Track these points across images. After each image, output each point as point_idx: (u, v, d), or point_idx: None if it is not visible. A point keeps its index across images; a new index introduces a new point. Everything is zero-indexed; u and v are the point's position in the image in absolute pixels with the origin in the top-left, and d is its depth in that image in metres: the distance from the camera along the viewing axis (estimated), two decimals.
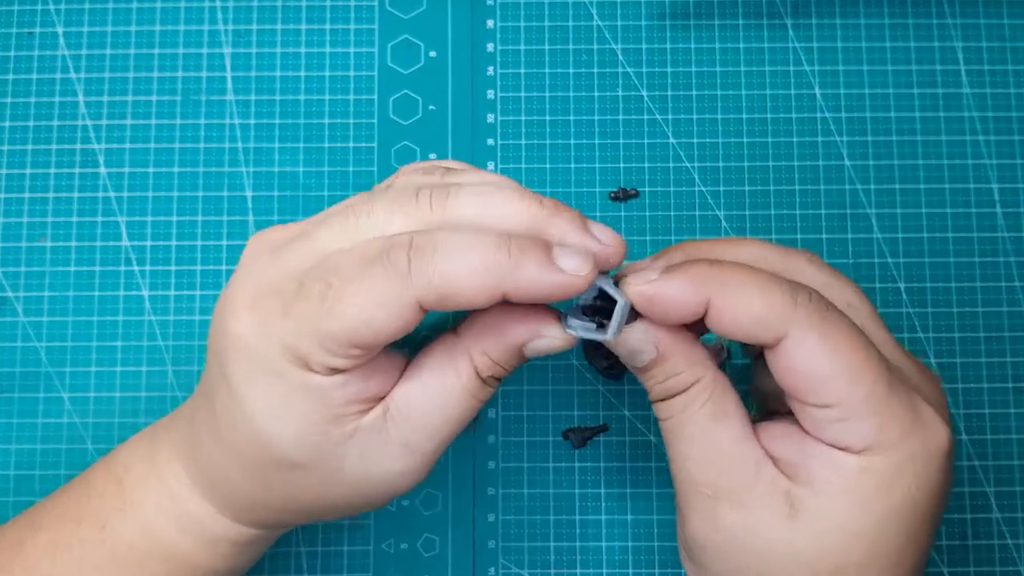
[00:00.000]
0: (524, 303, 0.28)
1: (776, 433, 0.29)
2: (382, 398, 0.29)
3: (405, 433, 0.28)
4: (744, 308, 0.27)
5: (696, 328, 0.29)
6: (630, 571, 0.40)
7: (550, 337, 0.28)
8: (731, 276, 0.27)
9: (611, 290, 0.28)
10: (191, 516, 0.31)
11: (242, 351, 0.27)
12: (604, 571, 0.40)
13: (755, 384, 0.33)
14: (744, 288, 0.27)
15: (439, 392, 0.28)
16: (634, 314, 0.28)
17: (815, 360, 0.26)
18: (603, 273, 0.28)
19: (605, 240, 0.28)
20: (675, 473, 0.29)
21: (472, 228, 0.27)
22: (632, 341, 0.28)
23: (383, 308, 0.26)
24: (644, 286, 0.27)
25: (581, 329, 0.28)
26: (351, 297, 0.26)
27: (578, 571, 0.40)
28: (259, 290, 0.27)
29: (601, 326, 0.28)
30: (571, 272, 0.26)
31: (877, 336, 0.29)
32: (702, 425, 0.28)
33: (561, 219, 0.27)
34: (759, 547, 0.27)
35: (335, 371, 0.27)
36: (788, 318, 0.26)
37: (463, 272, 0.25)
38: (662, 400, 0.29)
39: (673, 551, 0.40)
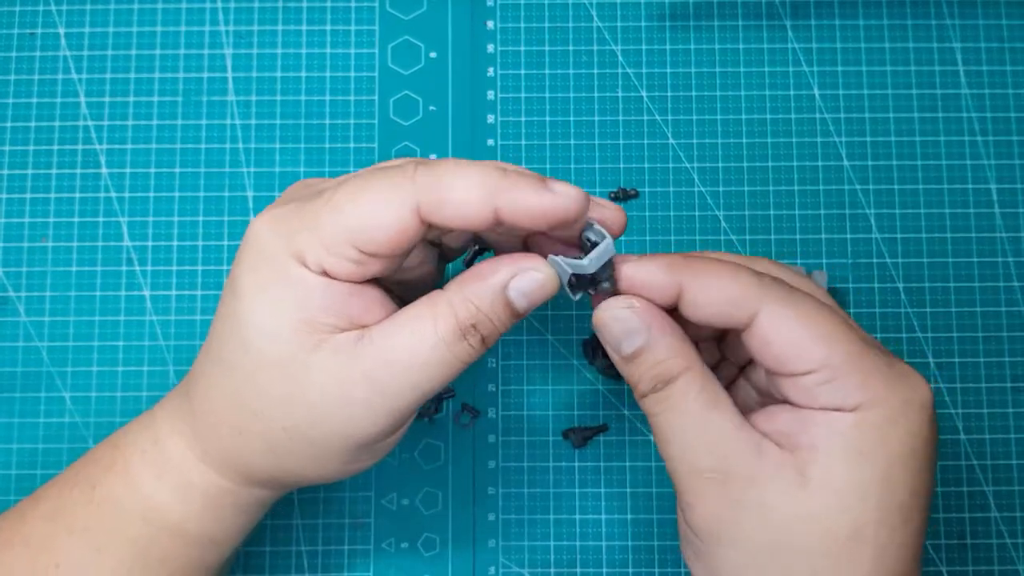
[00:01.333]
0: (518, 226, 0.28)
1: (767, 416, 0.29)
2: (361, 327, 0.29)
3: (371, 363, 0.28)
4: (716, 290, 0.28)
5: None
6: (630, 571, 0.40)
7: (533, 270, 0.29)
8: (701, 263, 0.29)
9: (593, 234, 0.29)
10: (165, 456, 0.31)
11: (252, 242, 0.29)
12: (604, 571, 0.40)
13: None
14: (714, 272, 0.28)
15: (413, 333, 0.28)
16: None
17: (789, 329, 0.28)
18: (589, 224, 0.29)
19: (565, 191, 0.29)
20: (675, 465, 0.29)
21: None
22: (625, 321, 0.29)
23: (383, 204, 0.27)
24: (622, 265, 0.29)
25: (563, 262, 0.29)
26: (355, 193, 0.27)
27: (578, 571, 0.40)
28: (282, 202, 0.29)
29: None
30: (562, 193, 0.27)
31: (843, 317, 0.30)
32: (699, 414, 0.29)
33: (546, 179, 0.29)
34: (777, 521, 0.28)
35: (327, 275, 0.28)
36: (758, 296, 0.28)
37: (462, 182, 0.27)
38: (652, 392, 0.29)
39: (673, 550, 0.40)
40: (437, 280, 0.32)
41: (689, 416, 0.29)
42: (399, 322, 0.28)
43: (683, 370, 0.29)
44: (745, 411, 0.29)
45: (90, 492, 0.32)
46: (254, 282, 0.28)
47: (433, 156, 0.43)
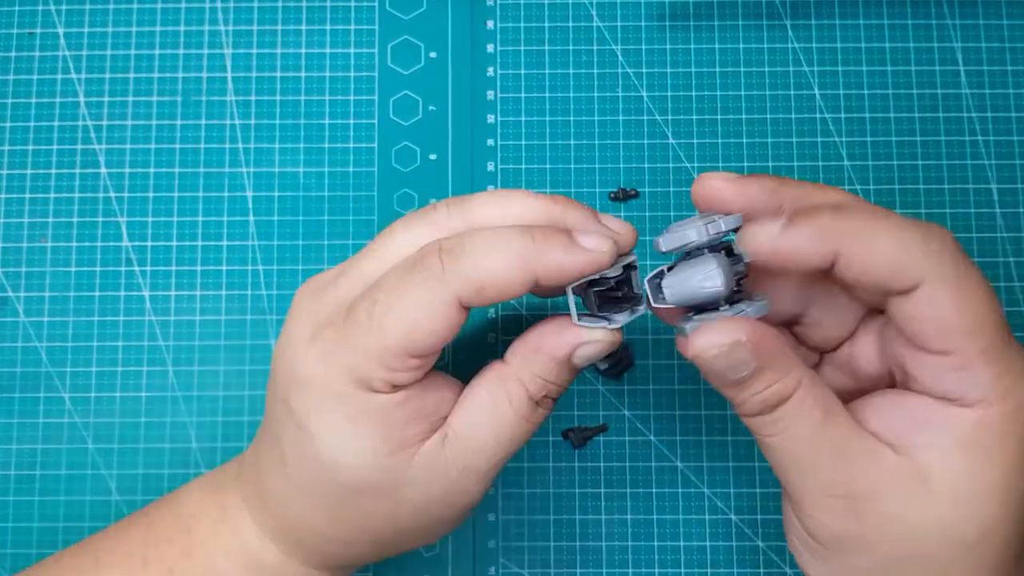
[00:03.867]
0: (554, 286, 0.28)
1: (873, 409, 0.28)
2: (440, 421, 0.30)
3: (463, 457, 0.29)
4: (879, 256, 0.26)
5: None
6: (630, 571, 0.40)
7: (594, 341, 0.29)
8: (862, 223, 0.26)
9: (635, 281, 0.29)
10: (260, 562, 0.32)
11: (308, 384, 0.29)
12: (604, 571, 0.40)
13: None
14: (878, 235, 0.26)
15: (492, 418, 0.29)
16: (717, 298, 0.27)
17: (946, 308, 0.26)
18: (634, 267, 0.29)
19: (616, 228, 0.29)
20: (794, 483, 0.28)
21: (494, 226, 0.28)
22: (729, 356, 0.27)
23: (426, 311, 0.27)
24: (768, 242, 0.26)
25: (600, 320, 0.29)
26: (395, 309, 0.27)
27: (578, 571, 0.40)
28: (315, 327, 0.29)
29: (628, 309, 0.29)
30: (593, 248, 0.28)
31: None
32: (815, 431, 0.27)
33: (575, 212, 0.29)
34: (903, 530, 0.27)
35: (396, 388, 0.28)
36: (922, 265, 0.26)
37: (494, 262, 0.27)
38: (761, 414, 0.27)
39: (673, 550, 0.40)
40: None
41: (804, 438, 0.27)
42: (477, 409, 0.30)
43: (794, 388, 0.27)
44: (842, 400, 0.28)
45: (167, 575, 0.32)
46: (328, 422, 0.28)
47: (433, 156, 0.42)
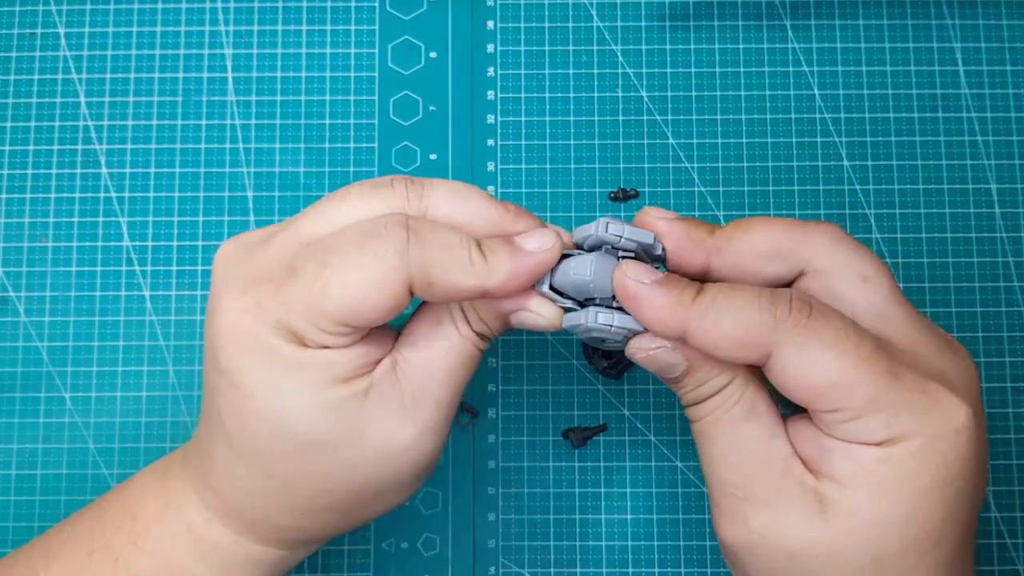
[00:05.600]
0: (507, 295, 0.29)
1: (797, 430, 0.28)
2: (387, 354, 0.29)
3: (416, 381, 0.29)
4: (724, 333, 0.27)
5: None
6: (630, 571, 0.40)
7: (537, 315, 0.29)
8: (708, 301, 0.27)
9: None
10: (209, 543, 0.31)
11: (234, 337, 0.27)
12: (604, 571, 0.40)
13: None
14: (721, 312, 0.27)
15: (439, 338, 0.29)
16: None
17: (806, 372, 0.26)
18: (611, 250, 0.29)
19: (564, 234, 0.30)
20: (707, 476, 0.29)
21: (450, 223, 0.28)
22: (661, 358, 0.28)
23: (377, 285, 0.27)
24: (627, 301, 0.28)
25: (560, 301, 0.29)
26: (347, 276, 0.26)
27: (578, 571, 0.40)
28: (246, 282, 0.28)
29: (580, 305, 0.29)
30: (537, 249, 0.28)
31: (895, 312, 0.28)
32: (732, 426, 0.28)
33: (523, 221, 0.29)
34: (793, 547, 0.27)
35: (326, 348, 0.28)
36: (768, 336, 0.26)
37: (451, 262, 0.27)
38: (694, 404, 0.29)
39: (673, 550, 0.40)
40: None
41: (723, 428, 0.28)
42: (423, 333, 0.29)
43: (724, 384, 0.28)
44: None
45: (113, 565, 0.31)
46: (265, 377, 0.27)
47: (433, 157, 0.43)
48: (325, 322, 0.27)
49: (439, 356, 0.29)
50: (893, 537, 0.26)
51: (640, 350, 0.29)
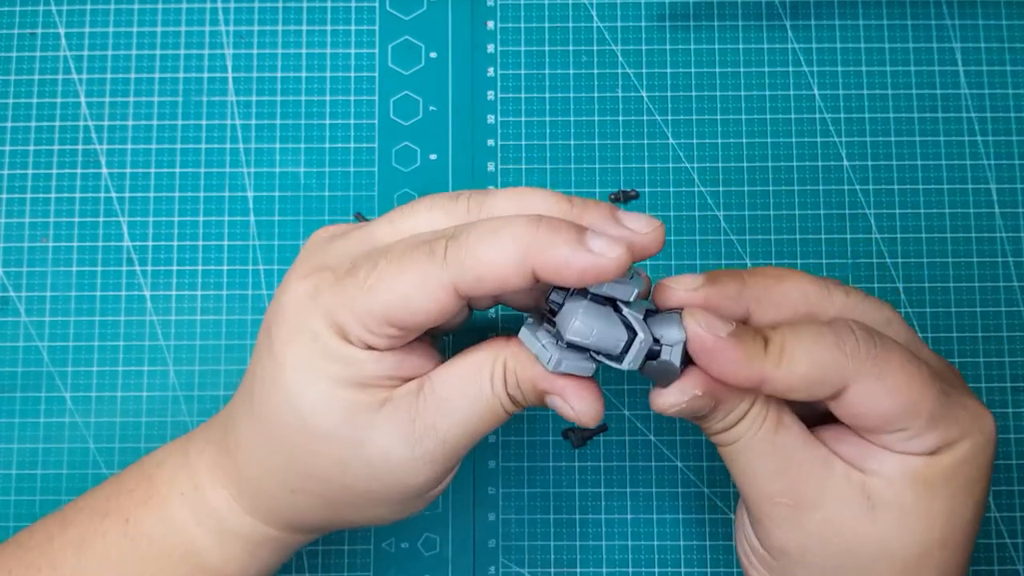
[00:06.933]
0: (555, 283, 0.27)
1: (835, 435, 0.29)
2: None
3: (432, 413, 0.29)
4: (800, 377, 0.27)
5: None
6: (630, 570, 0.40)
7: (582, 400, 0.29)
8: (779, 349, 0.27)
9: (635, 322, 0.27)
10: (209, 506, 0.31)
11: (290, 312, 0.29)
12: (604, 570, 0.40)
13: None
14: (795, 358, 0.27)
15: (473, 386, 0.29)
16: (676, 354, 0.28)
17: (880, 403, 0.27)
18: (645, 304, 0.29)
19: (639, 228, 0.28)
20: (746, 491, 0.30)
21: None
22: (692, 407, 0.28)
23: (418, 289, 0.27)
24: (702, 354, 0.27)
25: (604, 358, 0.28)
26: (391, 278, 0.27)
27: (578, 570, 0.40)
28: (315, 266, 0.29)
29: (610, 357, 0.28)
30: (599, 252, 0.26)
31: (918, 346, 0.30)
32: (767, 441, 0.29)
33: (592, 212, 0.28)
34: (847, 544, 0.28)
35: (370, 348, 0.28)
36: (844, 372, 0.27)
37: (493, 250, 0.26)
38: (722, 432, 0.29)
39: (673, 550, 0.40)
40: (467, 318, 0.32)
41: (756, 447, 0.29)
42: (462, 371, 0.29)
43: (749, 407, 0.29)
44: (811, 424, 0.29)
45: (123, 525, 0.31)
46: (300, 355, 0.28)
47: (433, 157, 0.43)
48: (369, 319, 0.27)
49: (463, 403, 0.29)
50: (938, 529, 0.28)
51: (672, 406, 0.28)
